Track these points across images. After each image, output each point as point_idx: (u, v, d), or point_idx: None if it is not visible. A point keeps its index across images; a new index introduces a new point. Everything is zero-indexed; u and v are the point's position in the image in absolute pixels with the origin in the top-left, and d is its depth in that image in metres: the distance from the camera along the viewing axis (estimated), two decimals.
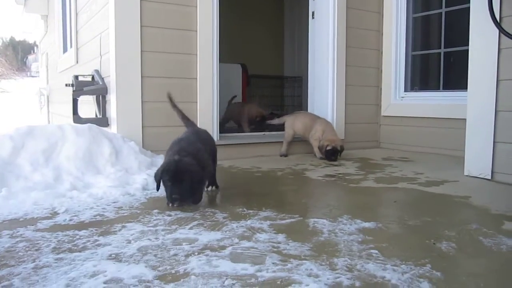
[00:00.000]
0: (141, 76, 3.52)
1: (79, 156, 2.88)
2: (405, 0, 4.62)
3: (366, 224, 1.96)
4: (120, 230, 1.91)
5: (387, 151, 4.58)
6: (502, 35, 2.77)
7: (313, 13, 4.67)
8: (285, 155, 4.16)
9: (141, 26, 3.51)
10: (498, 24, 2.48)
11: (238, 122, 5.21)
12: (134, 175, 2.92)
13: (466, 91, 3.25)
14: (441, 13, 4.42)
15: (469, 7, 3.19)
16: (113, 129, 3.57)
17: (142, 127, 3.55)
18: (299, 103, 8.10)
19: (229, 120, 5.33)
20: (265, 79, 8.10)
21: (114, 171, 2.92)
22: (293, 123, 4.20)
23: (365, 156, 4.18)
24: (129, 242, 1.75)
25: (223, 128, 4.83)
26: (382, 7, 4.74)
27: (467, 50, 3.20)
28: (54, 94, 7.57)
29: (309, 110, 4.84)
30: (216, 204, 2.48)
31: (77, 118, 3.72)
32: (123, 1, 3.45)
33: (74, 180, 2.71)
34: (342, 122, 4.55)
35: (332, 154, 3.88)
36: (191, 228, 1.93)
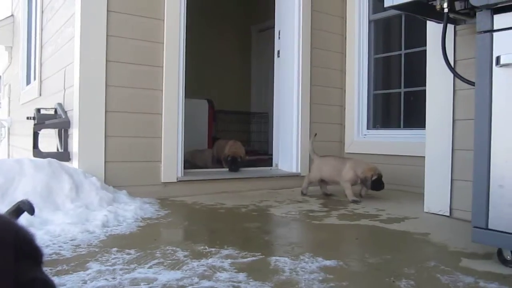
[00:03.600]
0: (105, 111, 3.49)
1: (37, 191, 2.80)
2: (366, 42, 4.79)
3: (328, 262, 1.97)
4: (76, 269, 1.84)
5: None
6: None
7: (278, 51, 4.78)
8: (304, 194, 3.98)
9: (106, 61, 3.50)
10: (451, 68, 2.60)
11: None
12: (95, 211, 2.85)
13: (425, 129, 3.37)
14: (400, 54, 4.60)
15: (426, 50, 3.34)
16: (74, 163, 3.49)
17: (105, 162, 3.48)
18: (266, 138, 8.17)
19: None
20: (232, 115, 8.17)
21: (73, 207, 2.84)
22: (321, 167, 3.93)
23: (328, 192, 4.21)
24: (85, 282, 1.69)
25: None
26: (345, 47, 4.90)
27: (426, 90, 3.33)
28: (16, 126, 7.40)
29: (274, 146, 4.88)
30: (178, 241, 2.44)
31: (37, 152, 3.64)
32: (88, 35, 3.45)
33: (30, 216, 2.61)
34: (307, 158, 4.59)
35: (379, 183, 3.62)
36: (150, 267, 1.89)
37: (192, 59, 4.08)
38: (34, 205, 2.75)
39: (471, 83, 2.33)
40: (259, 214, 3.18)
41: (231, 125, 8.03)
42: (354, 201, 3.61)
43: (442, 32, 2.41)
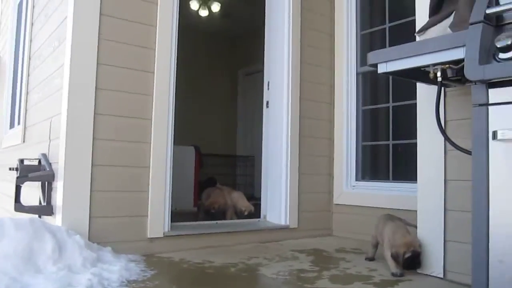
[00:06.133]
0: (92, 165, 3.40)
1: (17, 253, 2.67)
2: (355, 93, 4.84)
3: None
4: None
5: (340, 240, 4.56)
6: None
7: (267, 102, 4.79)
8: (370, 259, 3.54)
9: (94, 114, 3.44)
10: (446, 136, 2.62)
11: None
12: (78, 274, 2.72)
13: (415, 182, 3.35)
14: (388, 107, 4.64)
15: (415, 103, 3.36)
16: (57, 218, 3.38)
17: (90, 217, 3.37)
18: (251, 182, 8.14)
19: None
20: (218, 158, 8.15)
21: (56, 269, 2.71)
22: (375, 226, 3.53)
23: (318, 246, 4.14)
24: None
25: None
26: (334, 98, 4.93)
27: (414, 143, 3.33)
28: None
29: (262, 197, 4.81)
30: None
31: (19, 206, 3.51)
32: (77, 87, 3.40)
33: (10, 281, 2.48)
34: (296, 210, 4.53)
35: (413, 261, 3.01)
36: None
37: (178, 104, 4.01)
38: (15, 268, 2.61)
39: (467, 152, 2.33)
40: (249, 276, 3.08)
41: (216, 168, 7.98)
42: (393, 274, 3.08)
43: (436, 100, 2.43)
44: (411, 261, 3.01)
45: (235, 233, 4.16)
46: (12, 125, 6.11)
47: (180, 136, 4.91)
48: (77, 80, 3.41)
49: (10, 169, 3.90)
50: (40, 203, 3.67)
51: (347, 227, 4.72)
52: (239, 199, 5.05)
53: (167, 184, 3.73)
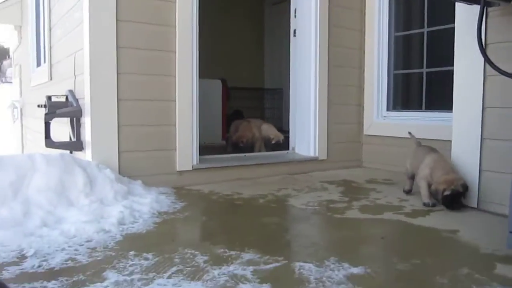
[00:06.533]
0: (117, 99, 3.37)
1: (50, 187, 2.73)
2: (387, 19, 4.57)
3: (355, 270, 1.87)
4: (93, 280, 1.77)
5: (370, 171, 4.51)
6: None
7: (294, 31, 4.59)
8: (407, 191, 3.41)
9: (117, 47, 3.37)
10: (487, 57, 2.44)
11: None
12: (110, 206, 2.78)
13: (450, 112, 3.21)
14: (423, 32, 4.38)
15: (451, 27, 3.15)
16: (87, 153, 3.41)
17: (119, 152, 3.39)
18: (279, 115, 8.05)
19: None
20: (245, 91, 8.03)
21: (88, 202, 2.77)
22: (410, 157, 3.44)
23: (348, 178, 4.10)
24: None
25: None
26: (364, 25, 4.68)
27: (450, 70, 3.17)
28: (28, 107, 7.33)
29: (290, 129, 4.73)
30: (196, 242, 2.36)
31: (49, 142, 3.55)
32: (98, 20, 3.31)
33: (45, 214, 2.55)
34: (325, 141, 4.47)
35: (453, 201, 2.85)
36: (169, 277, 1.81)
37: (204, 37, 3.89)
38: (49, 202, 2.65)
39: (510, 75, 2.17)
40: (278, 206, 3.08)
41: (244, 101, 7.90)
42: (425, 204, 3.02)
43: (478, 19, 2.24)
44: (451, 199, 2.85)
45: (264, 165, 4.15)
46: (39, 63, 6.11)
47: (207, 69, 4.81)
48: (96, 13, 3.31)
49: (38, 106, 3.92)
50: (70, 139, 3.71)
51: (377, 158, 4.64)
52: (268, 129, 4.98)
53: (194, 117, 3.69)
